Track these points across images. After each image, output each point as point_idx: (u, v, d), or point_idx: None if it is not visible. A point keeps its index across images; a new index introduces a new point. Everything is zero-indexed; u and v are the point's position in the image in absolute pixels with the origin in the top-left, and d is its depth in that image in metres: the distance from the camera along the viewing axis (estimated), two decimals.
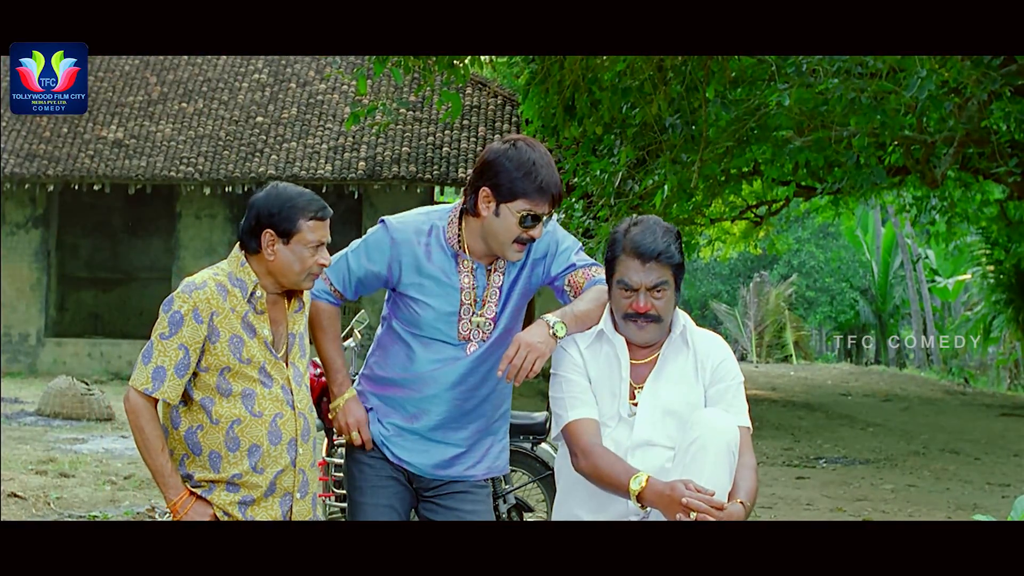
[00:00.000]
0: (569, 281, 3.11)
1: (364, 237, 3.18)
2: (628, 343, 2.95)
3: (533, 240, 3.03)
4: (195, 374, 2.95)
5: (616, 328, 2.96)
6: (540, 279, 3.16)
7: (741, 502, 2.71)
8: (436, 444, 3.15)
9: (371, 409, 3.20)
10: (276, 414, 2.97)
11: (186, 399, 2.97)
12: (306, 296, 3.13)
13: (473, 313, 3.09)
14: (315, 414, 3.15)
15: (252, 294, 2.98)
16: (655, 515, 2.76)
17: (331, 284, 3.19)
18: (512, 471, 5.57)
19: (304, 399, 3.06)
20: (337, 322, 3.26)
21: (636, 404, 2.92)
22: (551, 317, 2.95)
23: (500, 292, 3.11)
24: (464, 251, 3.08)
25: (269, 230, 2.94)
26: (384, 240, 3.10)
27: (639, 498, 2.73)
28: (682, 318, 3.00)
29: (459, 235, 3.08)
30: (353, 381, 3.32)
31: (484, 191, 3.00)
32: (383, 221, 3.15)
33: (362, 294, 3.23)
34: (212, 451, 2.94)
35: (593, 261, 3.17)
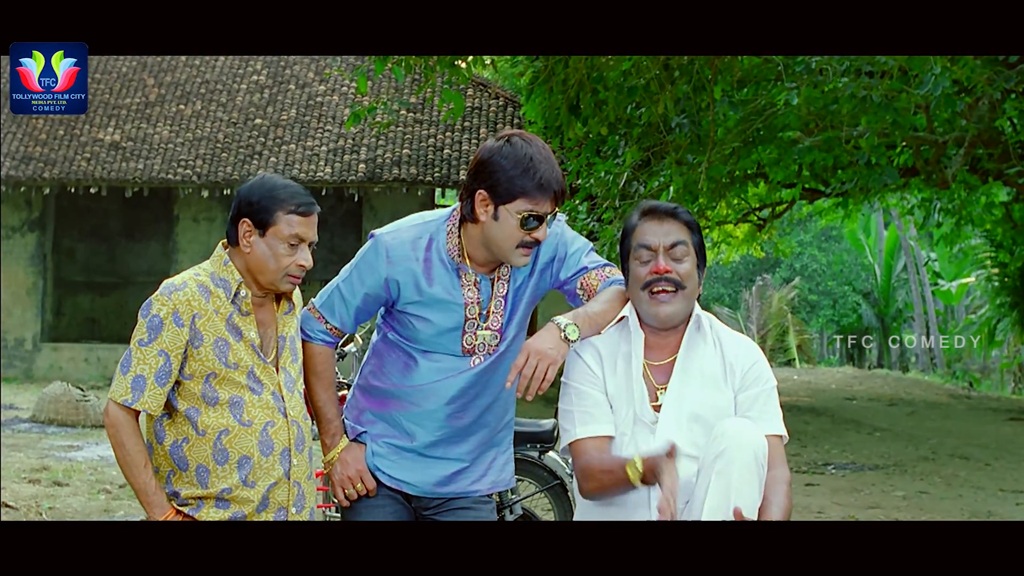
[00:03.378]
0: (582, 284, 2.88)
1: (354, 260, 2.93)
2: (645, 342, 2.75)
3: (538, 242, 2.79)
4: (179, 383, 2.76)
5: (640, 322, 2.76)
6: (549, 284, 2.94)
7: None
8: (436, 461, 2.94)
9: (363, 432, 2.98)
10: (267, 422, 2.78)
11: (170, 411, 2.78)
12: (296, 297, 2.93)
13: (478, 327, 2.87)
14: (310, 422, 2.95)
15: (236, 294, 2.80)
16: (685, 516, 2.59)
17: (326, 322, 2.95)
18: (519, 480, 5.42)
19: (297, 406, 2.86)
20: (332, 365, 3.02)
21: (658, 409, 2.72)
22: (562, 319, 2.71)
23: (505, 302, 2.89)
24: (466, 262, 2.85)
25: (246, 219, 2.78)
26: (378, 258, 2.85)
27: (643, 480, 2.56)
28: (705, 319, 2.82)
29: (459, 246, 2.85)
30: (350, 388, 3.14)
31: (480, 194, 2.76)
32: (374, 236, 2.90)
33: (362, 322, 3.00)
34: (199, 465, 2.75)
35: (606, 261, 2.94)
